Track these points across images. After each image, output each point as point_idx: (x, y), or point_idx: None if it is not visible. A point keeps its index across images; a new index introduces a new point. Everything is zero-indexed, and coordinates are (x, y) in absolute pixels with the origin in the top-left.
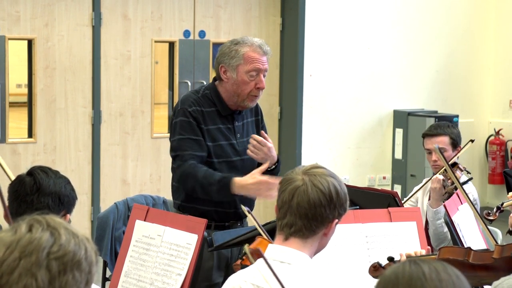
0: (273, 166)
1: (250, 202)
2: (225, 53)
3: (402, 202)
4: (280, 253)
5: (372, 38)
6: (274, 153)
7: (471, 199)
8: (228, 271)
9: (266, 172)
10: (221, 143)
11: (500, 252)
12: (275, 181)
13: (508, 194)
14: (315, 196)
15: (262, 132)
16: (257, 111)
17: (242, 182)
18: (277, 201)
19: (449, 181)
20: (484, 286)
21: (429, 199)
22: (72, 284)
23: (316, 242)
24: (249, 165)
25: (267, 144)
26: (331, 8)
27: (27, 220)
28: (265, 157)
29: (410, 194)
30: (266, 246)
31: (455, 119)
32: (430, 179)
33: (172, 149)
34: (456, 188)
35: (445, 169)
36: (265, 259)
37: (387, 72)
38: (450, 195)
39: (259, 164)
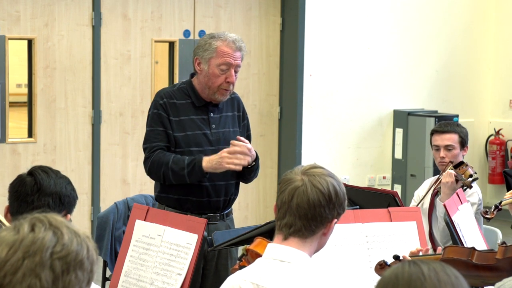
0: (253, 163)
1: (226, 190)
2: (200, 46)
3: (416, 205)
4: (280, 252)
5: (372, 38)
6: (253, 151)
7: (477, 198)
8: (207, 257)
9: (246, 169)
10: (192, 133)
11: (503, 253)
12: (235, 150)
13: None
14: (314, 196)
15: (238, 137)
16: (238, 107)
17: (208, 158)
18: (276, 201)
19: (463, 175)
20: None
21: (432, 196)
22: (75, 284)
23: (316, 242)
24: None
25: (249, 151)
26: (331, 8)
27: (29, 219)
28: (251, 159)
29: (420, 199)
30: (265, 246)
31: (455, 119)
32: (437, 180)
33: (144, 141)
34: (473, 181)
35: (455, 165)
36: None
37: (387, 72)
38: (467, 187)
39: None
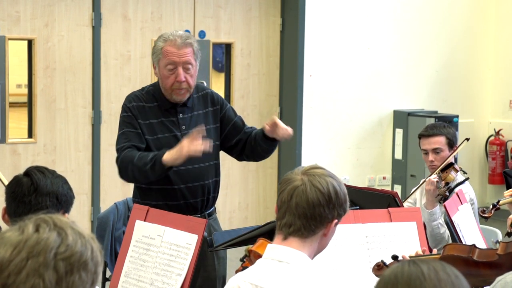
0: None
1: (203, 190)
2: (152, 50)
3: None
4: (279, 252)
5: (372, 38)
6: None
7: (468, 199)
8: (208, 255)
9: (269, 140)
10: (162, 136)
11: (504, 249)
12: (193, 137)
13: None
14: (313, 196)
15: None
16: (213, 102)
17: (169, 151)
18: (276, 201)
19: (443, 182)
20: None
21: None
22: (78, 285)
23: (316, 243)
24: (196, 157)
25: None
26: (331, 8)
27: (34, 220)
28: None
29: (408, 196)
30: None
31: (455, 119)
32: (426, 180)
33: (116, 144)
34: (450, 191)
35: (440, 170)
36: None
37: (387, 72)
38: (443, 197)
39: (209, 155)
